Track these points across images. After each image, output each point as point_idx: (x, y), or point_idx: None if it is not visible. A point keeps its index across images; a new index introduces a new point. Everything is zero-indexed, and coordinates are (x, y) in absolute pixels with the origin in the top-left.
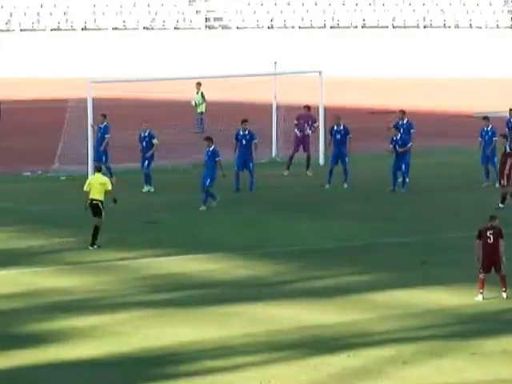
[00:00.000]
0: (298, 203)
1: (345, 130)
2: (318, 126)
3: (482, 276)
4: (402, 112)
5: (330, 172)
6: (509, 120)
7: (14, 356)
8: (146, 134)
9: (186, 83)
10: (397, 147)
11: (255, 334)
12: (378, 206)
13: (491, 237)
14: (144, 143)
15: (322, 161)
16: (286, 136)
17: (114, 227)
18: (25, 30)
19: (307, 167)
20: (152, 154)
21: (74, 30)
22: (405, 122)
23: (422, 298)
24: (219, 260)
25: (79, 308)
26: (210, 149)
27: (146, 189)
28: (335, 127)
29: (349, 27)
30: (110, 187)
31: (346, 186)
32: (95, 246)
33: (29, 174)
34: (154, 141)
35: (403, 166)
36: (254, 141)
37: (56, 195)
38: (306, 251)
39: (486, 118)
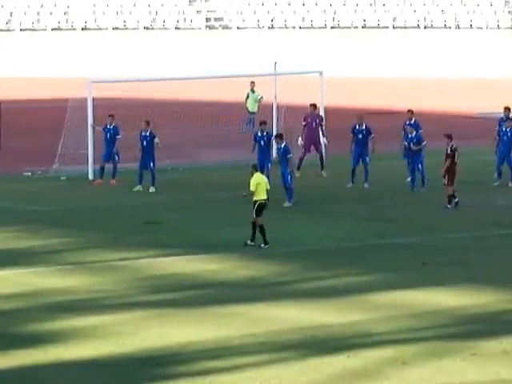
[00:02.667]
0: (299, 203)
1: (367, 129)
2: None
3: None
4: (411, 112)
5: (353, 172)
6: (502, 118)
7: (14, 356)
8: (147, 134)
9: (187, 83)
10: (411, 145)
11: (255, 334)
12: (379, 207)
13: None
14: (145, 143)
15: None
16: (286, 136)
17: (115, 227)
18: (25, 29)
19: (322, 167)
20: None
21: (74, 29)
22: (413, 121)
23: (423, 298)
24: (220, 260)
25: (80, 308)
26: (282, 146)
27: (151, 189)
28: (357, 127)
29: (349, 27)
30: None
31: (366, 185)
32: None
33: (29, 173)
34: (156, 140)
35: (420, 166)
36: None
37: (56, 195)
38: (306, 252)
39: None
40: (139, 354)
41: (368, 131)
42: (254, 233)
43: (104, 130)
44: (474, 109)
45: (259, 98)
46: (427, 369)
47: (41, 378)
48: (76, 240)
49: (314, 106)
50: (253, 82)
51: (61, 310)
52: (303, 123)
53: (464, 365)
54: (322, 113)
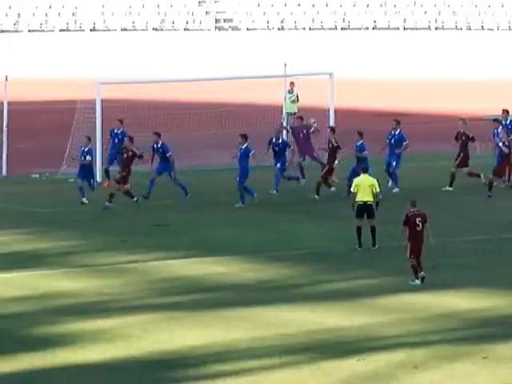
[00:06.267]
0: (308, 206)
1: (400, 135)
2: (316, 129)
3: (414, 262)
4: (506, 112)
5: (390, 175)
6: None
7: (22, 359)
8: (159, 146)
9: (196, 85)
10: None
11: (264, 337)
12: (387, 209)
13: (420, 224)
14: (158, 154)
15: None
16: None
17: (123, 230)
18: (33, 30)
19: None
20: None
21: (82, 30)
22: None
23: (433, 301)
24: (228, 263)
25: (88, 311)
26: (244, 146)
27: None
28: (392, 132)
29: (360, 29)
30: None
31: (396, 189)
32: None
33: (37, 175)
34: (168, 155)
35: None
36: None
37: (64, 197)
38: (315, 254)
39: (496, 120)
40: (148, 357)
41: (401, 137)
42: (358, 237)
43: (111, 134)
44: (486, 110)
45: (292, 98)
46: (438, 372)
47: (49, 382)
48: (84, 242)
49: (300, 118)
50: (292, 83)
51: (69, 313)
52: (292, 137)
53: (475, 368)
54: (331, 114)
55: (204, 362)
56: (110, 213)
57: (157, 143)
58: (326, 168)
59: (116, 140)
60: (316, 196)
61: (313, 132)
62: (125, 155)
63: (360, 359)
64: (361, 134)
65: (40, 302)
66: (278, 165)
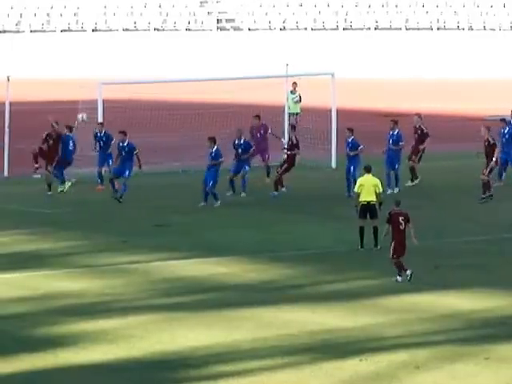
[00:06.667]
0: (310, 206)
1: (398, 135)
2: (271, 134)
3: (397, 260)
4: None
5: (388, 176)
6: (509, 122)
7: (24, 360)
8: (125, 145)
9: (198, 85)
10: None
11: (266, 338)
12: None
13: (402, 223)
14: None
15: (334, 164)
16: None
17: (125, 230)
18: (35, 31)
19: (267, 174)
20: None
21: (84, 31)
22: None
23: (435, 302)
24: (230, 264)
25: (89, 311)
26: (213, 150)
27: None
28: (390, 132)
29: (361, 29)
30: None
31: (396, 190)
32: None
33: (39, 176)
34: (135, 153)
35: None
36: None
37: (66, 198)
38: (317, 255)
39: (503, 120)
40: (149, 357)
41: (399, 137)
42: (361, 237)
43: (96, 137)
44: (487, 111)
45: (295, 99)
46: (440, 373)
47: (51, 382)
48: (86, 243)
49: (257, 116)
50: (295, 83)
51: (70, 314)
52: (250, 133)
53: (477, 369)
54: (333, 114)
55: (206, 362)
56: (111, 213)
57: (123, 142)
58: (285, 166)
59: (101, 143)
60: (275, 192)
61: (271, 133)
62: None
63: (362, 360)
64: (351, 130)
65: (41, 303)
66: (247, 167)
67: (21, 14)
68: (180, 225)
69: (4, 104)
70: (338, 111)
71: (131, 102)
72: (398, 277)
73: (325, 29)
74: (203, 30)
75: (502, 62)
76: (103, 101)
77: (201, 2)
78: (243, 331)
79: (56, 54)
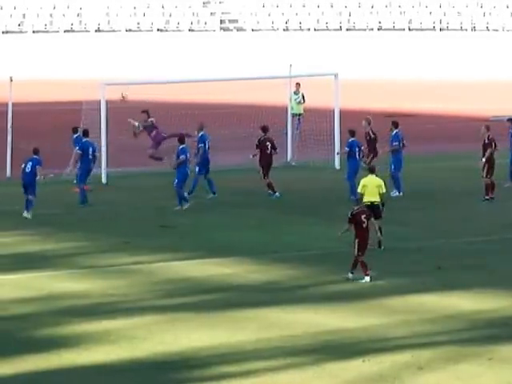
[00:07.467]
0: (313, 207)
1: (395, 136)
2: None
3: (362, 259)
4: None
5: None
6: None
7: (27, 360)
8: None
9: (201, 85)
10: None
11: (270, 338)
12: (391, 211)
13: (365, 221)
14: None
15: (337, 165)
16: (302, 139)
17: (128, 231)
18: (38, 31)
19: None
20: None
21: (87, 31)
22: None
23: (438, 303)
24: (233, 264)
25: (93, 312)
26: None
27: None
28: (391, 133)
29: (365, 29)
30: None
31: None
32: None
33: (41, 177)
34: (96, 153)
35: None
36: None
37: (68, 199)
38: (320, 255)
39: (510, 120)
40: (153, 358)
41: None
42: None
43: (74, 143)
44: (491, 111)
45: (298, 99)
46: (443, 374)
47: (54, 383)
48: (89, 244)
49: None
50: (298, 84)
51: (74, 314)
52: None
53: (480, 370)
54: (336, 115)
55: (209, 363)
56: (114, 214)
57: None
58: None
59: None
60: (277, 194)
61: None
62: None
63: (365, 360)
64: (352, 133)
65: (45, 304)
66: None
67: (23, 15)
68: (183, 226)
69: (7, 104)
70: (341, 112)
71: (133, 103)
72: (349, 274)
73: (328, 29)
74: (206, 30)
75: (506, 63)
76: (106, 101)
77: (204, 3)
78: (246, 332)
79: (59, 54)
